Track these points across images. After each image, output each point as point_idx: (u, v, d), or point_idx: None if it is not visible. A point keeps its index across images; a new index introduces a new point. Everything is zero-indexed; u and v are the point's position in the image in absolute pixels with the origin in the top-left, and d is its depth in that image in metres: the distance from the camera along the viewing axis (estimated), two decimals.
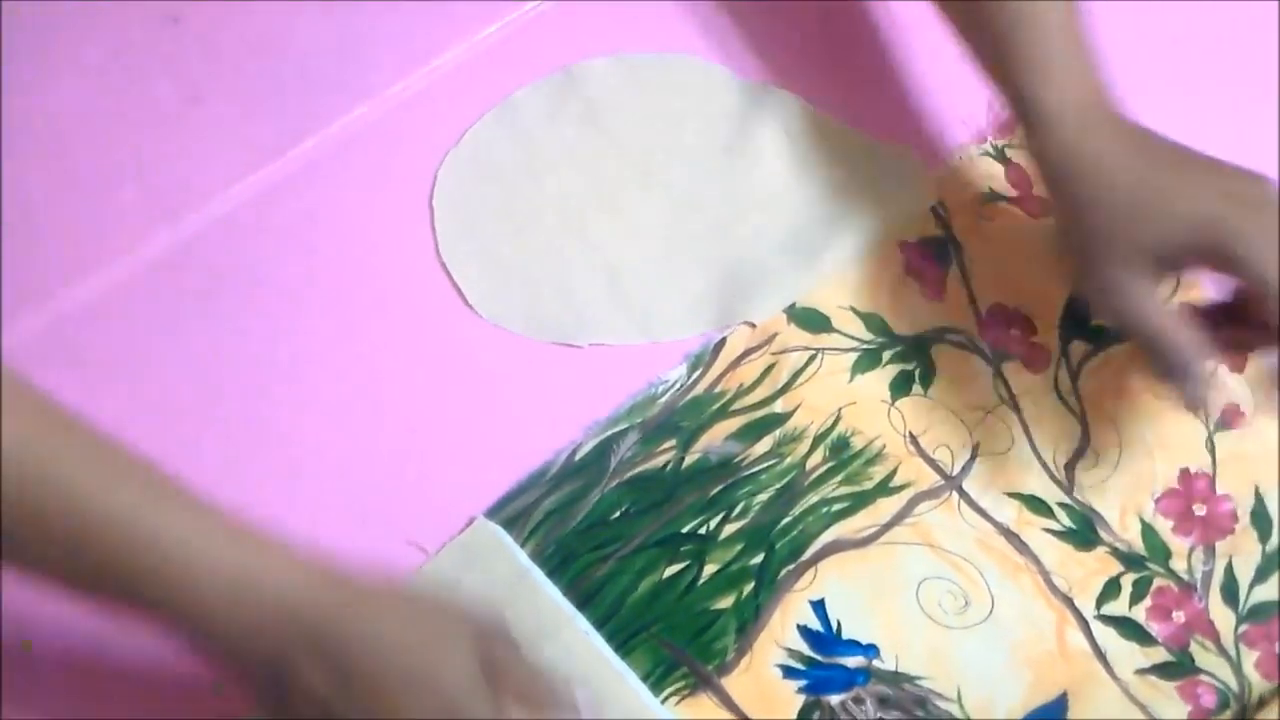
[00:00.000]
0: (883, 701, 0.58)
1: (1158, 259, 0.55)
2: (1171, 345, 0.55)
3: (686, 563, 0.59)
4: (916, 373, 0.63)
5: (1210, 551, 0.62)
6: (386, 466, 0.59)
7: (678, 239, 0.64)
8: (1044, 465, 0.62)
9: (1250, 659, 0.60)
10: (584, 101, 0.66)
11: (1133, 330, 0.56)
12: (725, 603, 0.58)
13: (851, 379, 0.63)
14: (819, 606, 0.59)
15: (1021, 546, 0.61)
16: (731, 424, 0.61)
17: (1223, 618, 0.61)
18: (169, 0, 0.65)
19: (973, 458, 0.62)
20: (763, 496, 0.60)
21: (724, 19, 0.69)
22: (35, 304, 0.59)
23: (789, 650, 0.58)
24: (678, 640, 0.58)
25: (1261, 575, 0.61)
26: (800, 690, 0.58)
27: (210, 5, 0.65)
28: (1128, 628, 0.60)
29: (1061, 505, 0.62)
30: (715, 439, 0.61)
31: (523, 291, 0.63)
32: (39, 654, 0.55)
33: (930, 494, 0.61)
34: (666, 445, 0.61)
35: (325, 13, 0.66)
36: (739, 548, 0.59)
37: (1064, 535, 0.61)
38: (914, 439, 0.62)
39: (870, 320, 0.64)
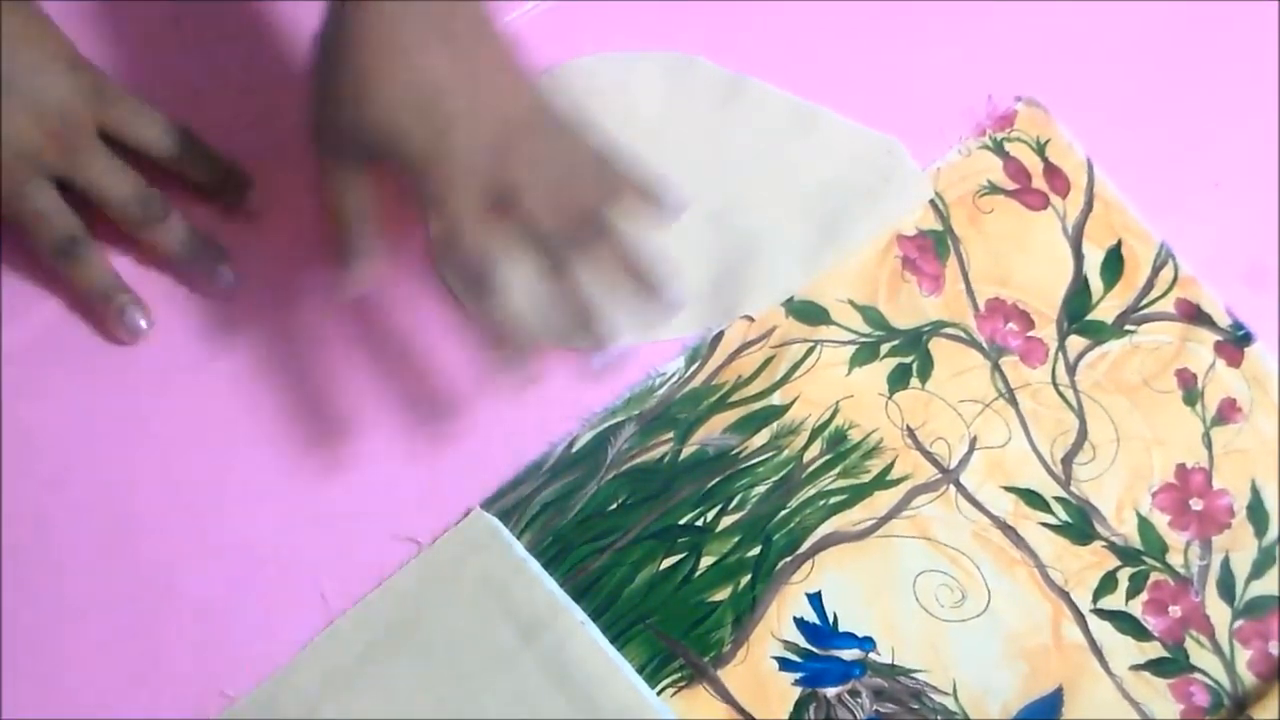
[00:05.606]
0: (878, 694, 0.58)
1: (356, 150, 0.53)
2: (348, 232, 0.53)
3: (683, 554, 0.59)
4: (914, 366, 0.63)
5: (1207, 546, 0.62)
6: (383, 457, 0.59)
7: (672, 236, 0.64)
8: (1041, 459, 0.62)
9: (1243, 657, 0.60)
10: (569, 102, 0.66)
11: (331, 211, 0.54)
12: (722, 595, 0.58)
13: (849, 372, 0.63)
14: (815, 599, 0.59)
15: (1018, 540, 0.61)
16: (729, 416, 0.61)
17: (1219, 613, 0.61)
18: (169, 1, 0.64)
19: (970, 451, 0.62)
20: (760, 489, 0.60)
21: (712, 14, 0.68)
22: (35, 304, 0.59)
23: (785, 642, 0.58)
24: (674, 632, 0.58)
25: (1258, 570, 0.62)
26: (796, 682, 0.58)
27: (210, 7, 0.65)
28: (1124, 622, 0.60)
29: (1058, 499, 0.62)
30: (713, 431, 0.61)
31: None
32: (39, 654, 0.54)
33: (927, 487, 0.61)
34: (664, 437, 0.60)
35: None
36: (736, 540, 0.59)
37: (1061, 529, 0.61)
38: (911, 432, 0.62)
39: (868, 313, 0.64)
